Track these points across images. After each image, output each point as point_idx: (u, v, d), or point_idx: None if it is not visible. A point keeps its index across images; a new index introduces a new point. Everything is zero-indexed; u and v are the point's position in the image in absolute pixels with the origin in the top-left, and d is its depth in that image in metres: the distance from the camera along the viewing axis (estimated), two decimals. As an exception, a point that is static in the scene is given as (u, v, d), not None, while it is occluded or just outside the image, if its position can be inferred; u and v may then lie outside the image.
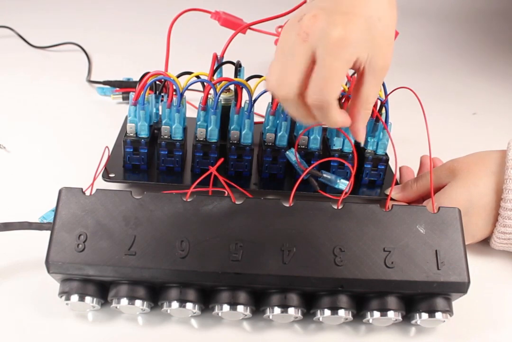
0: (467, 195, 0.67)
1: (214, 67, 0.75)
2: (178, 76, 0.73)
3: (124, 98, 1.00)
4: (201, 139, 0.73)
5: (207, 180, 0.62)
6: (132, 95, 0.71)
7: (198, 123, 0.73)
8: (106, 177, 0.73)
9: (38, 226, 0.60)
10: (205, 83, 0.72)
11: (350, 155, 0.75)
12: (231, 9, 0.84)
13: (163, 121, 0.72)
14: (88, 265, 0.54)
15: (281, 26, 0.88)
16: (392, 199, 0.74)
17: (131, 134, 0.73)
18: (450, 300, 0.57)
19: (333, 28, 0.53)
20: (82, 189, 0.58)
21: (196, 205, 0.58)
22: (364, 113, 0.59)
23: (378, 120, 0.72)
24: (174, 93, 0.71)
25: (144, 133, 0.73)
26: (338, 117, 0.57)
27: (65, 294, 0.55)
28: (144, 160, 0.75)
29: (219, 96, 0.71)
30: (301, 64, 0.54)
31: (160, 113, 0.77)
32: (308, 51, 0.54)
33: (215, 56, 0.75)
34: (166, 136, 0.73)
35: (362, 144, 0.68)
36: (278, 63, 0.56)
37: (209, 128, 0.72)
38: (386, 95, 0.72)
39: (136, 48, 1.22)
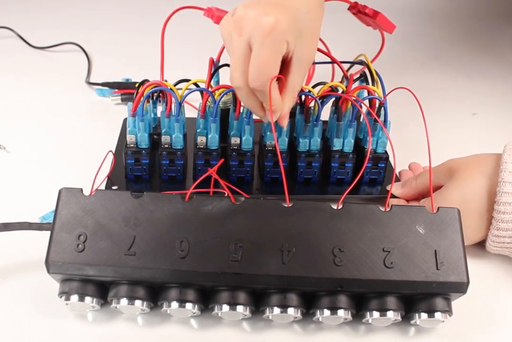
0: (461, 196, 0.67)
1: (212, 72, 0.75)
2: (176, 84, 0.72)
3: (122, 100, 1.00)
4: (202, 147, 0.73)
5: (207, 183, 0.62)
6: (130, 106, 0.71)
7: (198, 131, 0.73)
8: (109, 188, 0.74)
9: (38, 226, 0.60)
10: (203, 92, 0.72)
11: (350, 155, 0.75)
12: (227, 5, 0.84)
13: (163, 131, 0.72)
14: (88, 265, 0.54)
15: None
16: (392, 196, 0.75)
17: (132, 145, 0.73)
18: (449, 300, 0.57)
19: (264, 17, 0.57)
20: (82, 189, 0.58)
21: (196, 205, 0.58)
22: (289, 100, 0.64)
23: (376, 120, 0.73)
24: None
25: (144, 144, 0.73)
26: (279, 99, 0.62)
27: (65, 294, 0.55)
28: (146, 170, 0.75)
29: (217, 104, 0.71)
30: (241, 57, 0.59)
31: (158, 115, 0.77)
32: (245, 43, 0.58)
33: (212, 61, 0.75)
34: (167, 146, 0.73)
35: (284, 128, 0.70)
36: (230, 58, 0.61)
37: (209, 136, 0.73)
38: (385, 95, 0.72)
39: (135, 49, 1.22)
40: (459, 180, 0.68)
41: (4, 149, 0.85)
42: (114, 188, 0.74)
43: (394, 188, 0.75)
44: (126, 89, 1.02)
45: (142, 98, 0.70)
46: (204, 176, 0.62)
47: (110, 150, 0.68)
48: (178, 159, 0.74)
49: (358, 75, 0.78)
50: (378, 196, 0.77)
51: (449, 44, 1.34)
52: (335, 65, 0.88)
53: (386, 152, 0.75)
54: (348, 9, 0.84)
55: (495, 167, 0.66)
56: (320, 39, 0.80)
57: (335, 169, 0.76)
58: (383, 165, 0.76)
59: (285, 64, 0.61)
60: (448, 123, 0.99)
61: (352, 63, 0.82)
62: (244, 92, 0.62)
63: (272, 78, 0.59)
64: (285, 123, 0.66)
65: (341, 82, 0.79)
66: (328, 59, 0.81)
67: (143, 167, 0.74)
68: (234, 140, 0.74)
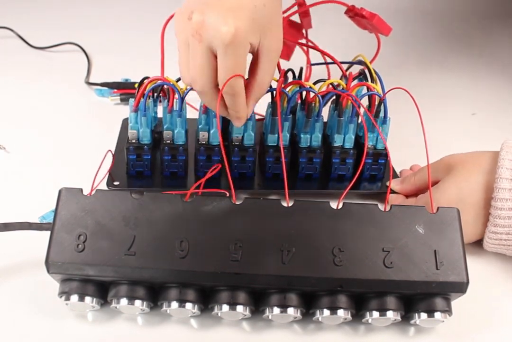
0: (458, 192, 0.67)
1: None
2: (178, 80, 0.72)
3: (122, 100, 1.00)
4: (204, 142, 0.74)
5: (207, 183, 0.62)
6: (132, 102, 0.71)
7: (200, 126, 0.73)
8: (110, 185, 0.74)
9: (38, 226, 0.60)
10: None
11: (351, 151, 0.75)
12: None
13: (165, 126, 0.73)
14: (87, 265, 0.54)
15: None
16: (392, 192, 0.76)
17: (133, 141, 0.73)
18: (449, 300, 0.57)
19: (222, 26, 0.57)
20: (81, 189, 0.58)
21: (196, 205, 0.58)
22: (259, 93, 0.66)
23: (377, 116, 0.73)
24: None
25: (146, 140, 0.73)
26: (244, 103, 0.64)
27: (65, 294, 0.55)
28: (147, 166, 0.75)
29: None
30: (204, 63, 0.60)
31: (159, 115, 0.77)
32: (206, 50, 0.59)
33: None
34: (169, 141, 0.73)
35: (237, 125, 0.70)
36: (185, 62, 0.62)
37: (211, 132, 0.73)
38: (385, 93, 0.73)
39: (135, 49, 1.22)
40: (457, 176, 0.68)
41: (4, 150, 0.85)
42: (115, 183, 0.74)
43: (394, 184, 0.76)
44: (125, 90, 1.02)
45: (144, 93, 0.70)
46: (204, 178, 0.62)
47: (109, 150, 0.68)
48: (180, 155, 0.74)
49: (357, 75, 0.78)
50: (378, 191, 0.77)
51: (448, 44, 1.34)
52: (331, 67, 0.88)
53: (386, 148, 0.75)
54: (345, 13, 0.85)
55: (492, 164, 0.67)
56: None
57: (336, 165, 0.76)
58: (383, 161, 0.76)
59: (253, 57, 0.63)
60: (447, 123, 0.99)
61: (351, 64, 0.82)
62: (209, 97, 0.63)
63: (242, 82, 0.61)
64: (248, 114, 0.68)
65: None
66: (327, 59, 0.81)
67: (144, 163, 0.74)
68: (236, 136, 0.74)
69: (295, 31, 0.91)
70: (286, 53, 0.96)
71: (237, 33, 0.57)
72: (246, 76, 0.64)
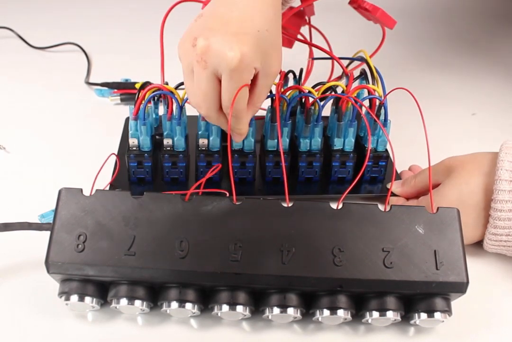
0: (458, 194, 0.67)
1: None
2: (177, 87, 0.73)
3: (122, 100, 1.01)
4: (203, 149, 0.74)
5: (208, 183, 0.62)
6: (131, 109, 0.71)
7: (200, 133, 0.73)
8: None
9: (38, 226, 0.60)
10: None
11: (351, 155, 0.75)
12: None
13: (165, 133, 0.73)
14: (87, 265, 0.54)
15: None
16: (393, 194, 0.76)
17: (134, 149, 0.74)
18: (449, 300, 0.57)
19: (228, 51, 0.58)
20: (81, 189, 0.58)
21: (196, 205, 0.58)
22: (253, 110, 0.67)
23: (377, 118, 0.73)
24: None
25: (146, 147, 0.73)
26: (247, 123, 0.68)
27: (65, 294, 0.55)
28: (148, 173, 0.75)
29: None
30: (209, 89, 0.61)
31: (160, 114, 0.77)
32: (211, 75, 0.60)
33: None
34: (169, 149, 0.74)
35: (237, 140, 0.72)
36: (191, 87, 0.63)
37: (210, 138, 0.73)
38: (385, 95, 0.73)
39: (135, 49, 1.22)
40: (457, 178, 0.68)
41: (4, 150, 0.85)
42: (117, 190, 0.74)
43: (394, 186, 0.76)
44: (125, 90, 1.02)
45: (143, 102, 0.70)
46: (204, 178, 0.62)
47: (113, 153, 0.68)
48: (180, 162, 0.74)
49: (358, 74, 0.78)
50: (379, 194, 0.77)
51: (448, 44, 1.34)
52: (335, 61, 0.88)
53: (386, 150, 0.76)
54: (349, 3, 0.84)
55: (492, 166, 0.67)
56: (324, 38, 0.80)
57: (336, 168, 0.76)
58: (383, 163, 0.76)
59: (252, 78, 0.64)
60: (447, 123, 0.99)
61: (352, 60, 0.82)
62: (214, 119, 0.65)
63: (245, 105, 0.63)
64: (242, 139, 0.71)
65: (340, 78, 0.80)
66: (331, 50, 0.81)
67: (145, 170, 0.75)
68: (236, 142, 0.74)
69: (297, 19, 0.91)
70: (288, 41, 0.96)
71: (242, 58, 0.58)
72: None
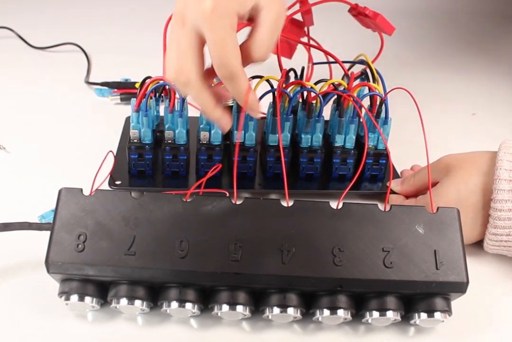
0: (457, 193, 0.67)
1: None
2: None
3: (122, 99, 1.01)
4: (205, 142, 0.74)
5: (208, 182, 0.62)
6: (133, 101, 0.72)
7: (201, 126, 0.73)
8: (112, 184, 0.74)
9: (38, 226, 0.60)
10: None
11: (352, 152, 0.75)
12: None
13: (166, 126, 0.73)
14: (87, 265, 0.54)
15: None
16: (392, 192, 0.76)
17: (135, 141, 0.74)
18: (449, 300, 0.57)
19: (202, 3, 0.54)
20: (81, 189, 0.58)
21: (196, 205, 0.58)
22: (254, 58, 0.59)
23: (378, 117, 0.73)
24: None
25: (147, 139, 0.74)
26: (246, 84, 0.58)
27: (65, 294, 0.55)
28: (149, 166, 0.75)
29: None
30: (191, 48, 0.57)
31: (161, 114, 0.78)
32: (191, 33, 0.56)
33: None
34: (170, 141, 0.74)
35: (258, 116, 0.65)
36: (171, 52, 0.59)
37: (212, 132, 0.73)
38: (386, 93, 0.73)
39: (135, 49, 1.22)
40: (455, 177, 0.68)
41: (4, 150, 0.85)
42: (117, 182, 0.74)
43: (394, 184, 0.76)
44: (125, 89, 1.02)
45: (146, 93, 0.70)
46: (204, 178, 0.62)
47: (110, 151, 0.68)
48: (181, 155, 0.74)
49: (358, 74, 0.78)
50: (379, 191, 0.77)
51: (449, 44, 1.34)
52: (333, 65, 0.89)
53: (387, 149, 0.75)
54: (349, 11, 0.85)
55: (490, 165, 0.67)
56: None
57: (337, 165, 0.77)
58: (383, 161, 0.77)
59: (252, 21, 0.59)
60: (447, 123, 0.99)
61: (353, 63, 0.83)
62: (195, 88, 0.59)
63: (238, 60, 0.57)
64: (257, 112, 0.63)
65: (342, 80, 0.80)
66: (329, 58, 0.81)
67: (146, 163, 0.75)
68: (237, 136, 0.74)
69: (297, 29, 0.91)
70: (288, 52, 0.97)
71: (218, 4, 0.54)
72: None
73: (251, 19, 0.59)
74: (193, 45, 0.57)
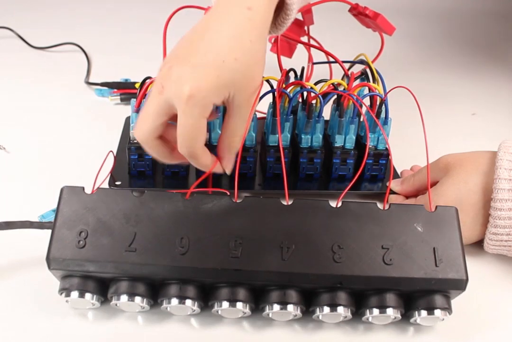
0: (456, 192, 0.67)
1: None
2: None
3: (122, 100, 1.01)
4: (205, 143, 0.74)
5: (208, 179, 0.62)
6: (133, 102, 0.72)
7: None
8: (112, 184, 0.74)
9: (40, 225, 0.60)
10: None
11: (352, 152, 0.76)
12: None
13: None
14: (88, 261, 0.54)
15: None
16: (392, 192, 0.76)
17: (135, 141, 0.74)
18: (449, 297, 0.57)
19: (183, 85, 0.56)
20: (83, 187, 0.58)
21: (196, 203, 0.58)
22: (232, 147, 0.63)
23: (378, 117, 0.73)
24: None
25: None
26: (208, 162, 0.62)
27: (65, 290, 0.55)
28: (149, 166, 0.76)
29: None
30: (155, 114, 0.58)
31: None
32: (164, 103, 0.58)
33: None
34: None
35: (228, 173, 0.66)
36: (141, 111, 0.61)
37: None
38: (386, 93, 0.73)
39: (135, 49, 1.22)
40: (454, 176, 0.69)
41: (4, 150, 0.85)
42: (117, 183, 0.74)
43: (394, 184, 0.76)
44: (125, 89, 1.02)
45: (146, 94, 0.71)
46: (203, 176, 0.62)
47: (111, 151, 0.68)
48: None
49: (359, 74, 0.79)
50: (379, 191, 0.78)
51: (449, 44, 1.35)
52: (333, 65, 0.89)
53: (387, 149, 0.76)
54: (349, 10, 0.85)
55: (490, 165, 0.67)
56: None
57: (337, 165, 0.77)
58: (384, 162, 0.77)
59: (227, 108, 0.61)
60: (447, 123, 0.99)
61: (353, 63, 0.83)
62: (149, 144, 0.61)
63: (200, 143, 0.60)
64: (230, 169, 0.65)
65: (342, 80, 0.80)
66: (329, 58, 0.82)
67: (146, 163, 0.75)
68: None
69: (297, 28, 0.91)
70: (288, 51, 0.97)
71: (196, 94, 0.56)
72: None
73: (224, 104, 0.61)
74: (160, 113, 0.58)
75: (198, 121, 0.57)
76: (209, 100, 0.57)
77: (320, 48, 0.86)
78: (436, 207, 0.60)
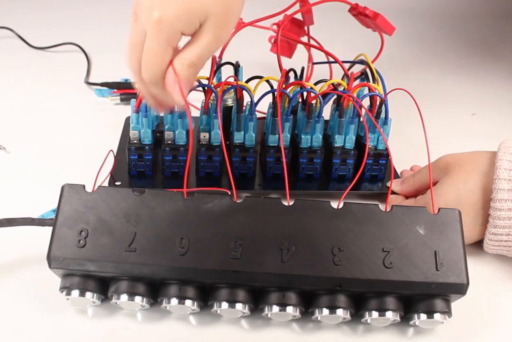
0: (456, 192, 0.67)
1: (214, 70, 0.75)
2: None
3: (122, 100, 1.01)
4: (204, 143, 0.74)
5: (209, 180, 0.62)
6: (133, 102, 0.72)
7: (201, 127, 0.73)
8: (112, 185, 0.74)
9: (41, 222, 0.60)
10: (206, 88, 0.72)
11: (352, 152, 0.76)
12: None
13: (166, 127, 0.73)
14: (88, 260, 0.54)
15: (275, 23, 0.89)
16: (392, 192, 0.76)
17: (135, 142, 0.74)
18: (449, 301, 0.57)
19: (152, 11, 0.56)
20: (84, 185, 0.58)
21: (197, 203, 0.58)
22: (181, 68, 0.59)
23: (378, 117, 0.73)
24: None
25: (147, 140, 0.74)
26: (165, 94, 0.61)
27: (66, 289, 0.55)
28: (149, 166, 0.76)
29: (221, 100, 0.71)
30: (134, 43, 0.60)
31: (161, 114, 0.78)
32: (140, 29, 0.59)
33: (214, 59, 0.76)
34: (170, 142, 0.74)
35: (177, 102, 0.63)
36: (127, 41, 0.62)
37: (212, 133, 0.73)
38: (386, 93, 0.73)
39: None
40: (454, 176, 0.69)
41: (4, 150, 0.85)
42: (117, 183, 0.74)
43: (394, 185, 0.76)
44: (125, 90, 1.02)
45: None
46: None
47: (111, 150, 0.68)
48: (181, 156, 0.74)
49: (359, 74, 0.79)
50: (379, 192, 0.78)
51: (449, 44, 1.35)
52: (333, 65, 0.89)
53: (386, 149, 0.76)
54: (349, 10, 0.85)
55: (490, 165, 0.67)
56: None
57: (337, 165, 0.77)
58: (384, 162, 0.77)
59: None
60: (447, 123, 0.99)
61: (353, 63, 0.83)
62: (137, 77, 0.62)
63: (162, 70, 0.59)
64: (176, 94, 0.61)
65: (341, 80, 0.80)
66: (329, 58, 0.82)
67: (146, 163, 0.75)
68: (237, 136, 0.74)
69: (297, 28, 0.91)
70: (288, 51, 0.97)
71: (163, 19, 0.56)
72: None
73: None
74: (140, 41, 0.59)
75: (163, 48, 0.58)
76: (176, 27, 0.57)
77: (320, 48, 0.86)
78: (439, 209, 0.59)
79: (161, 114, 0.69)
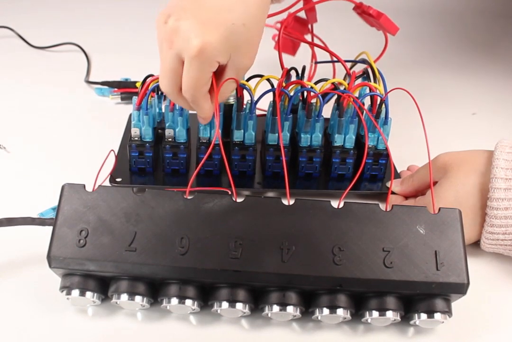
0: (455, 195, 0.68)
1: None
2: None
3: (122, 99, 1.00)
4: (205, 141, 0.74)
5: (209, 179, 0.62)
6: (135, 100, 0.72)
7: (201, 127, 0.73)
8: (113, 181, 0.74)
9: (41, 221, 0.60)
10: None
11: (351, 151, 0.75)
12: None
13: (167, 124, 0.73)
14: (89, 260, 0.54)
15: (279, 22, 0.89)
16: (392, 192, 0.76)
17: (136, 139, 0.74)
18: (449, 301, 0.57)
19: (192, 40, 0.58)
20: (84, 185, 0.58)
21: (197, 202, 0.58)
22: (218, 99, 0.65)
23: (378, 117, 0.73)
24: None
25: (148, 137, 0.74)
26: (207, 107, 0.65)
27: (66, 288, 0.55)
28: (149, 163, 0.76)
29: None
30: (171, 69, 0.61)
31: (163, 111, 0.78)
32: (175, 57, 0.60)
33: None
34: (170, 139, 0.74)
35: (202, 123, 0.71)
36: (160, 66, 0.64)
37: (212, 131, 0.73)
38: (386, 93, 0.73)
39: (135, 48, 1.22)
40: (453, 178, 0.69)
41: (4, 149, 0.85)
42: (118, 179, 0.75)
43: (393, 185, 0.75)
44: (125, 88, 1.02)
45: (146, 92, 0.71)
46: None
47: (112, 150, 0.68)
48: (181, 153, 0.75)
49: (360, 73, 0.78)
50: (378, 191, 0.77)
51: (449, 44, 1.35)
52: (336, 64, 0.89)
53: (386, 148, 0.76)
54: (353, 9, 0.85)
55: (487, 165, 0.67)
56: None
57: (336, 165, 0.77)
58: (383, 161, 0.77)
59: (220, 68, 0.63)
60: (447, 123, 0.99)
61: (355, 62, 0.83)
62: (173, 97, 0.65)
63: (203, 92, 0.63)
64: (206, 122, 0.70)
65: (343, 79, 0.80)
66: (332, 57, 0.82)
67: (146, 160, 0.75)
68: (237, 135, 0.74)
69: (300, 26, 0.91)
70: (292, 49, 0.97)
71: (204, 49, 0.58)
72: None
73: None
74: (175, 67, 0.61)
75: (204, 75, 0.61)
76: (216, 57, 0.59)
77: (322, 47, 0.85)
78: (439, 208, 0.59)
79: (202, 123, 0.71)
